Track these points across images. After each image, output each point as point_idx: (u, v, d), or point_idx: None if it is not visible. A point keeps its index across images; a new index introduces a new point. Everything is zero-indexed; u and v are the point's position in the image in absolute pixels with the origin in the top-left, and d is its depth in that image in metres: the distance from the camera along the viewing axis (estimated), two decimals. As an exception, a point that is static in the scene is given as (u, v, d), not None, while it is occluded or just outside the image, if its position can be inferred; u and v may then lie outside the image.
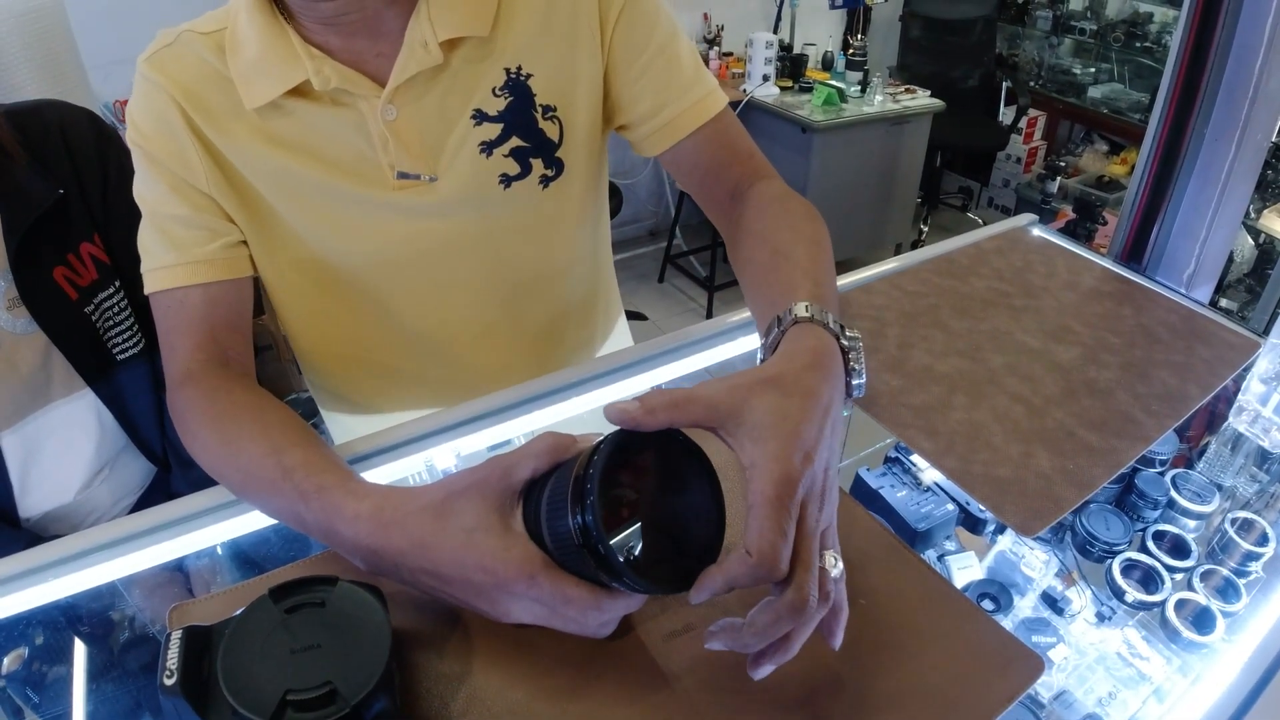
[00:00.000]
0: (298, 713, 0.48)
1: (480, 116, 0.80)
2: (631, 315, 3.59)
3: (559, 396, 0.90)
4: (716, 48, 3.97)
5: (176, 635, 0.53)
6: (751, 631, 0.48)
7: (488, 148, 0.82)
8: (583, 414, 0.90)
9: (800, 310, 0.61)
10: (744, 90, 3.57)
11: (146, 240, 0.81)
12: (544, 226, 0.91)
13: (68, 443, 1.09)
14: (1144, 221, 1.21)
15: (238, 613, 0.55)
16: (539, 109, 0.82)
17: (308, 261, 0.86)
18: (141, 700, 0.72)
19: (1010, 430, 0.80)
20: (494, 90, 0.80)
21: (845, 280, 1.07)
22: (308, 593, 0.55)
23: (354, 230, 0.84)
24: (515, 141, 0.83)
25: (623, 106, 0.88)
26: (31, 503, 1.09)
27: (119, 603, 0.79)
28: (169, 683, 0.50)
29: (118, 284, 1.11)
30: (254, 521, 0.77)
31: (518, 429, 0.88)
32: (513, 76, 0.80)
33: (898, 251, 3.98)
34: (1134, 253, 1.23)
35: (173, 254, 0.79)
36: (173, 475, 1.18)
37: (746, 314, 0.96)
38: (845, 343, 0.61)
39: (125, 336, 1.12)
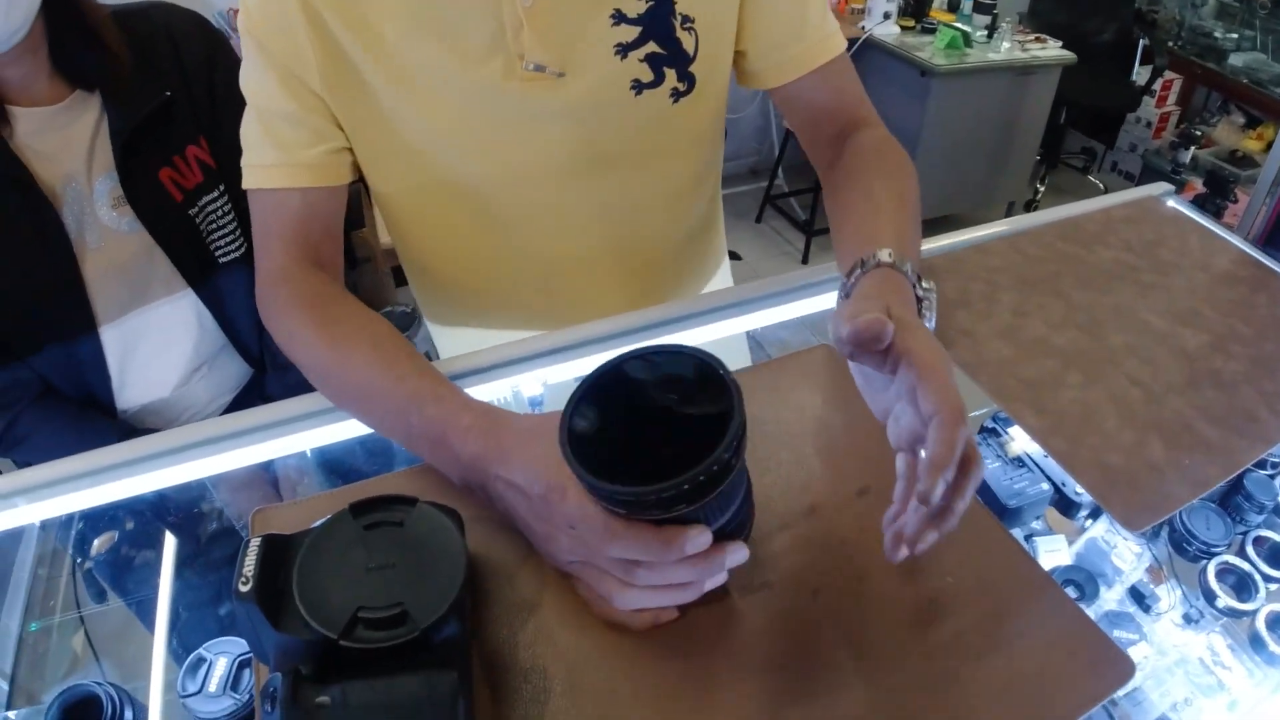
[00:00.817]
0: (369, 630, 0.48)
1: (619, 17, 0.76)
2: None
3: (652, 333, 0.88)
4: (837, -19, 3.80)
5: (255, 543, 0.54)
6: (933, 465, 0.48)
7: (623, 50, 0.77)
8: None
9: (884, 256, 0.63)
10: (862, 27, 3.40)
11: (250, 134, 0.79)
12: (668, 145, 0.88)
13: (167, 340, 1.13)
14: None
15: (317, 524, 0.56)
16: (678, 17, 0.78)
17: (423, 170, 0.82)
18: (222, 592, 0.74)
19: (1125, 415, 0.74)
20: None
21: (958, 238, 1.01)
22: (387, 511, 0.56)
23: (474, 130, 0.79)
24: (652, 47, 0.78)
25: (752, 33, 0.84)
26: (130, 395, 1.13)
27: (208, 497, 0.82)
28: (244, 589, 0.50)
29: (222, 188, 1.12)
30: (344, 430, 0.78)
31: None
32: None
33: (1009, 211, 3.78)
34: (1273, 237, 1.13)
35: (275, 153, 0.77)
36: (268, 378, 1.21)
37: (800, 278, 0.93)
38: (920, 292, 0.63)
39: (228, 239, 1.14)
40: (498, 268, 0.95)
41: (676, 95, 0.82)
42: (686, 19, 0.78)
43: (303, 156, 0.78)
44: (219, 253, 1.13)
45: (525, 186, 0.85)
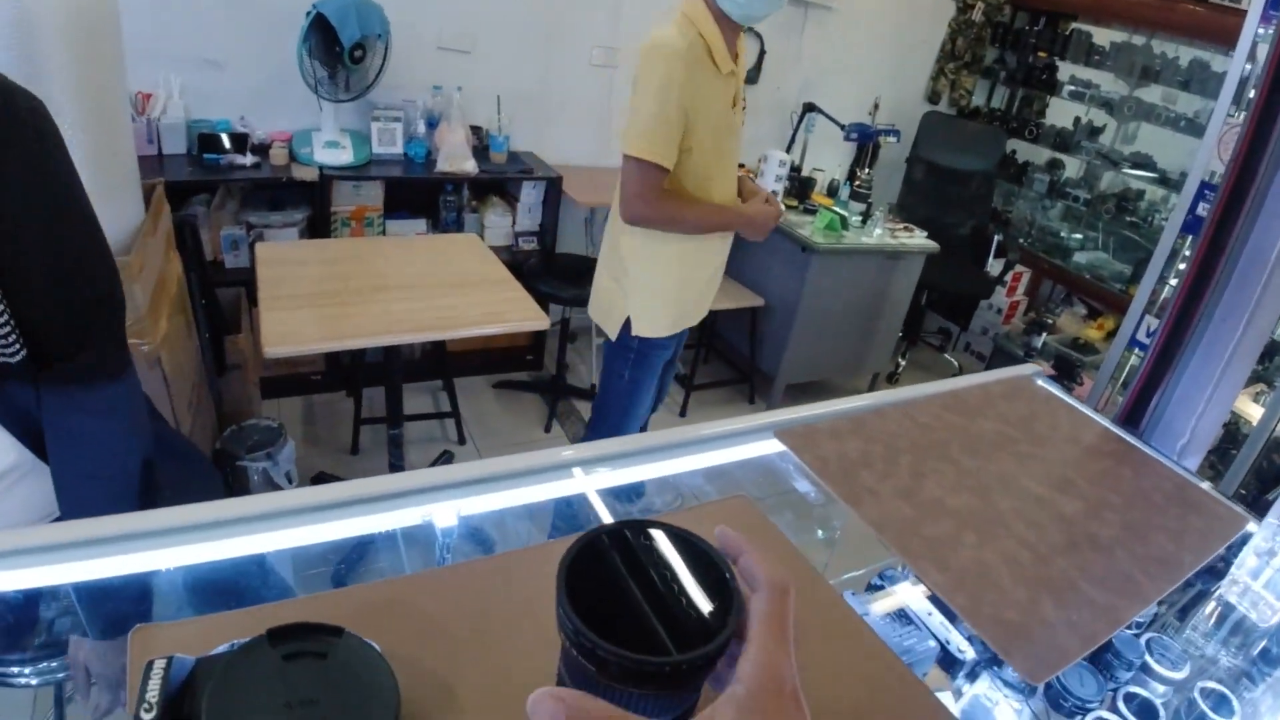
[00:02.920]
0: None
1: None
2: (608, 403, 3.59)
3: (587, 467, 0.89)
4: (728, 158, 4.10)
5: (160, 665, 0.50)
6: None
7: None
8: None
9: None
10: (749, 202, 3.67)
11: (651, 123, 1.83)
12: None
13: None
14: (1146, 389, 1.25)
15: (224, 649, 0.52)
16: None
17: (696, 159, 1.95)
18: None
19: (1017, 574, 0.79)
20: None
21: (855, 402, 1.08)
22: (309, 641, 0.53)
23: (719, 138, 1.97)
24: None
25: None
26: None
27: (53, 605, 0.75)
28: (147, 718, 0.47)
29: None
30: (227, 549, 0.74)
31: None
32: None
33: (873, 381, 4.03)
34: (1132, 417, 1.26)
35: (666, 147, 1.85)
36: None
37: (719, 427, 0.97)
38: None
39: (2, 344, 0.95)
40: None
41: None
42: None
43: (673, 151, 1.87)
44: None
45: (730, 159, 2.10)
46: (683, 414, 3.59)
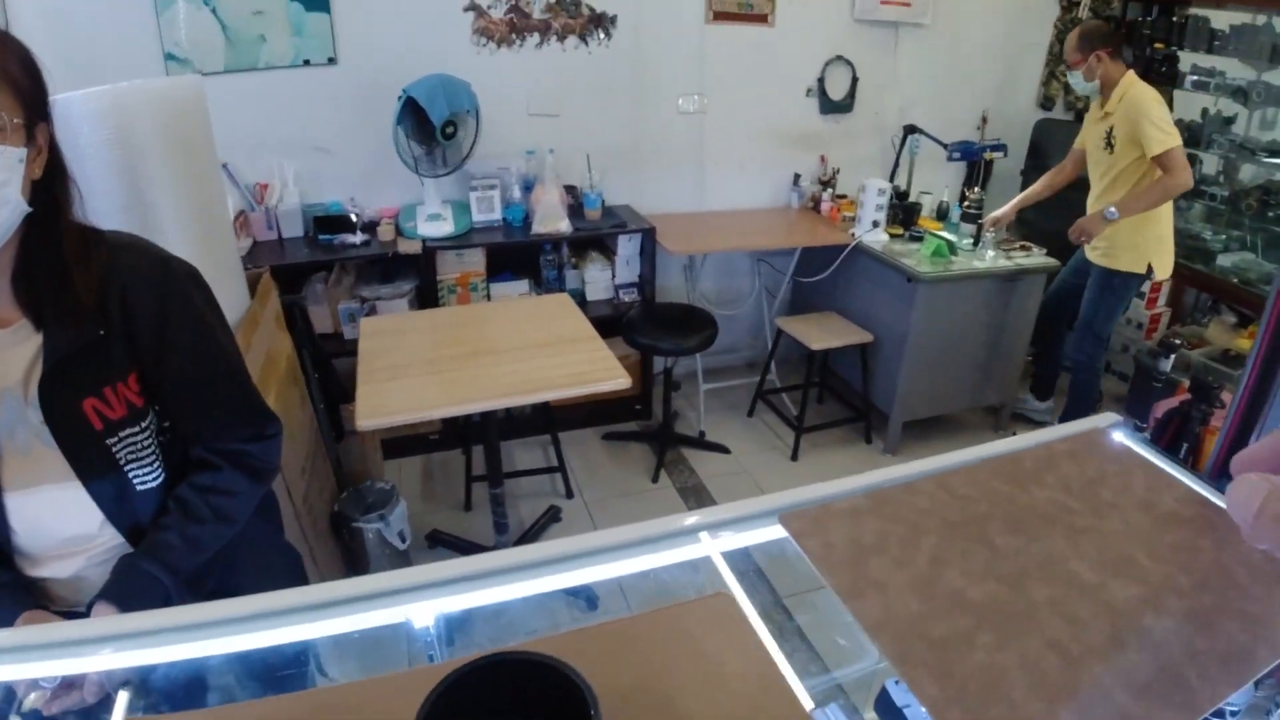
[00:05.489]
0: None
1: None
2: (714, 447, 3.54)
3: (578, 562, 0.87)
4: (830, 189, 4.01)
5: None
6: None
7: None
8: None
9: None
10: (852, 234, 3.56)
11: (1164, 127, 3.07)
12: None
13: (73, 527, 1.14)
14: (1240, 434, 1.11)
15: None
16: None
17: None
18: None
19: (1036, 683, 0.71)
20: None
21: (891, 474, 1.01)
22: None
23: None
24: None
25: None
26: (31, 563, 1.15)
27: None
28: None
29: (144, 423, 1.15)
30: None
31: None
32: None
33: (997, 415, 3.79)
34: (1225, 469, 1.12)
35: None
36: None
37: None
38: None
39: (146, 470, 1.16)
40: None
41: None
42: None
43: None
44: (136, 481, 1.14)
45: None
46: (794, 458, 3.50)
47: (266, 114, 3.23)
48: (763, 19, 3.78)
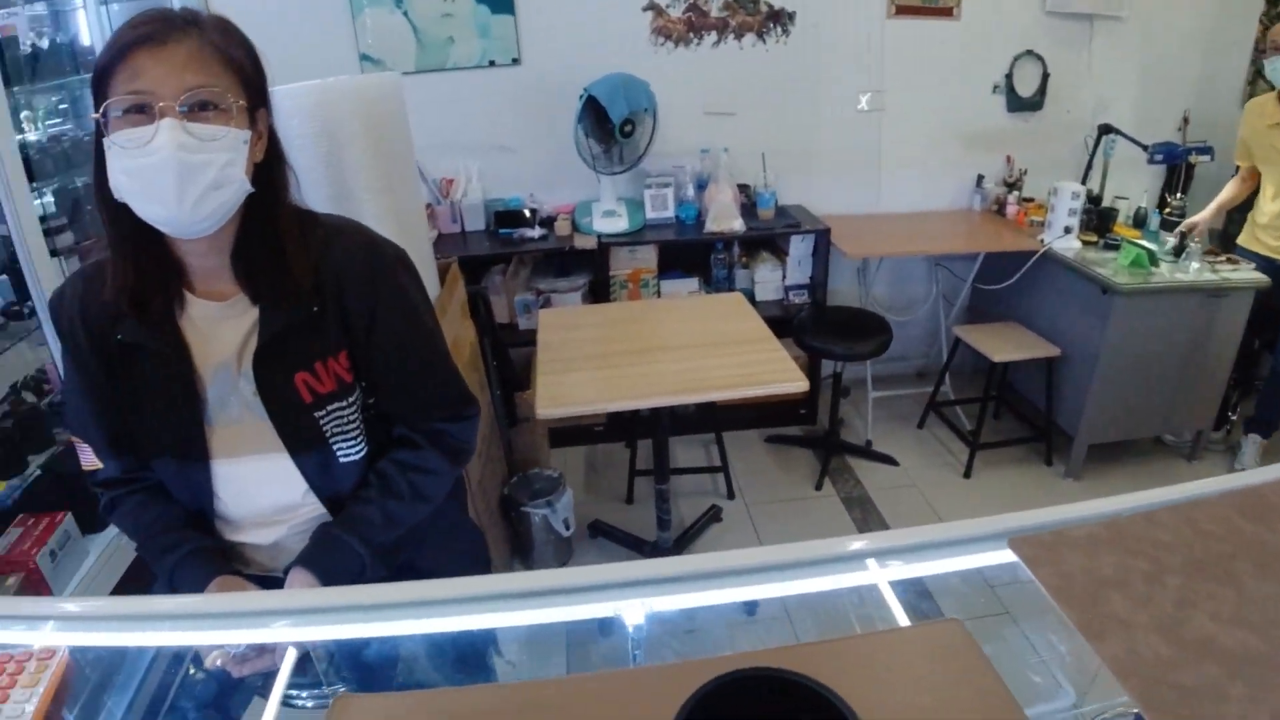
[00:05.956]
0: None
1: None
2: (882, 458, 3.44)
3: (774, 574, 0.87)
4: (1016, 192, 3.81)
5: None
6: None
7: None
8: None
9: None
10: (1041, 240, 3.36)
11: None
12: None
13: (275, 495, 1.21)
14: None
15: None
16: None
17: None
18: None
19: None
20: None
21: (1122, 503, 0.95)
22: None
23: None
24: None
25: None
26: (232, 528, 1.23)
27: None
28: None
29: (352, 399, 1.19)
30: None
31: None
32: None
33: (1196, 441, 3.48)
34: None
35: None
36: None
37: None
38: None
39: (350, 443, 1.21)
40: None
41: None
42: None
43: None
44: (340, 454, 1.19)
45: None
46: (967, 475, 3.35)
47: (453, 113, 3.39)
48: (947, 13, 3.63)
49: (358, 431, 1.21)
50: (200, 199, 1.00)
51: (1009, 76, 3.78)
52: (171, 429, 1.15)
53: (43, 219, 2.27)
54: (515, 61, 3.41)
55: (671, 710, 0.53)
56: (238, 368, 1.15)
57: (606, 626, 0.82)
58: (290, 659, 0.92)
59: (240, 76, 1.03)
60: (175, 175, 0.97)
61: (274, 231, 1.11)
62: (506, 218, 3.36)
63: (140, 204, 1.01)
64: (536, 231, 3.33)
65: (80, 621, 0.95)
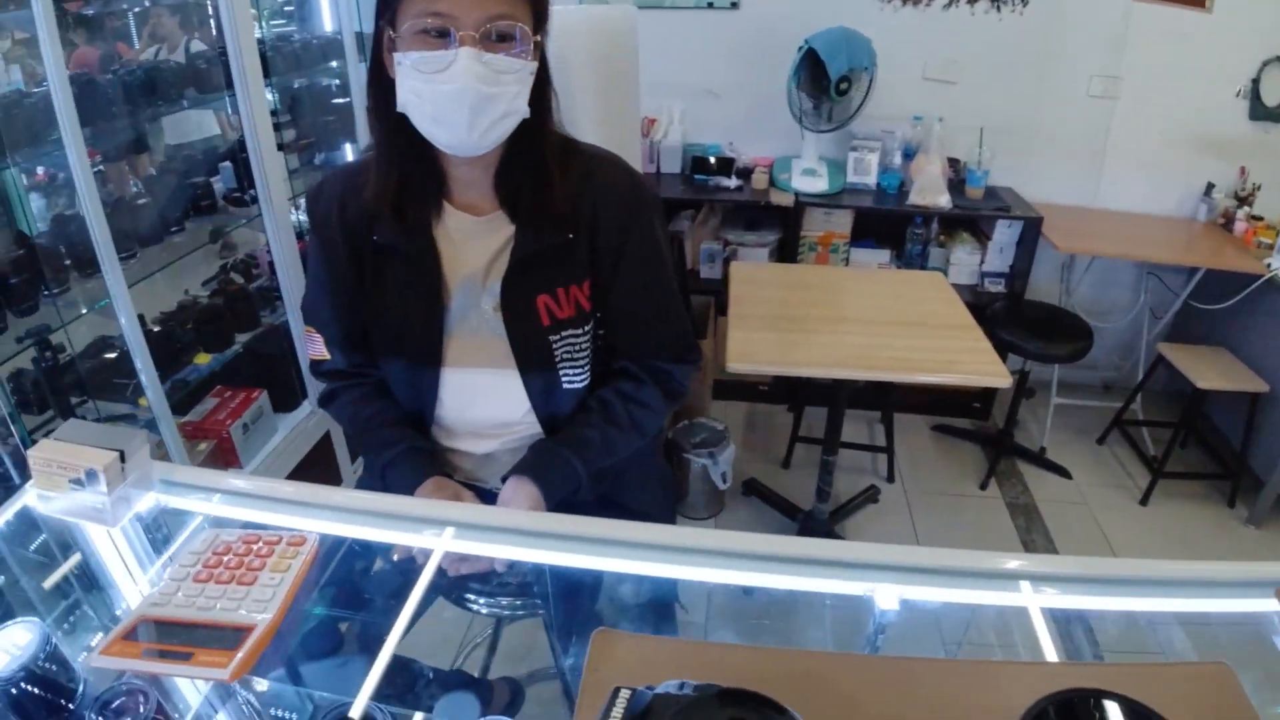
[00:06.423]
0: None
1: None
2: (1054, 468, 3.25)
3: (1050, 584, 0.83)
4: (1246, 208, 3.44)
5: (625, 694, 0.57)
6: None
7: None
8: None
9: None
10: (1268, 265, 3.02)
11: None
12: None
13: (497, 408, 1.26)
14: None
15: (673, 686, 0.57)
16: None
17: None
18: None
19: None
20: None
21: None
22: (757, 712, 0.56)
23: None
24: None
25: None
26: (449, 435, 1.30)
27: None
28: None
29: (587, 328, 1.22)
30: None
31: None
32: None
33: None
34: None
35: None
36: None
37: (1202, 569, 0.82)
38: None
39: (576, 371, 1.24)
40: None
41: None
42: None
43: None
44: (564, 379, 1.23)
45: None
46: (1144, 502, 3.12)
47: (664, 52, 3.35)
48: (1199, 3, 3.28)
49: (585, 360, 1.24)
50: (489, 128, 1.03)
51: (1256, 81, 3.40)
52: (411, 332, 1.21)
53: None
54: (734, 5, 3.35)
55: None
56: (484, 282, 1.19)
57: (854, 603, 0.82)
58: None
59: (534, 6, 1.04)
60: (470, 105, 1.00)
61: (539, 155, 1.13)
62: (703, 164, 3.34)
63: (427, 125, 1.05)
64: (733, 181, 3.30)
65: (328, 510, 0.99)
